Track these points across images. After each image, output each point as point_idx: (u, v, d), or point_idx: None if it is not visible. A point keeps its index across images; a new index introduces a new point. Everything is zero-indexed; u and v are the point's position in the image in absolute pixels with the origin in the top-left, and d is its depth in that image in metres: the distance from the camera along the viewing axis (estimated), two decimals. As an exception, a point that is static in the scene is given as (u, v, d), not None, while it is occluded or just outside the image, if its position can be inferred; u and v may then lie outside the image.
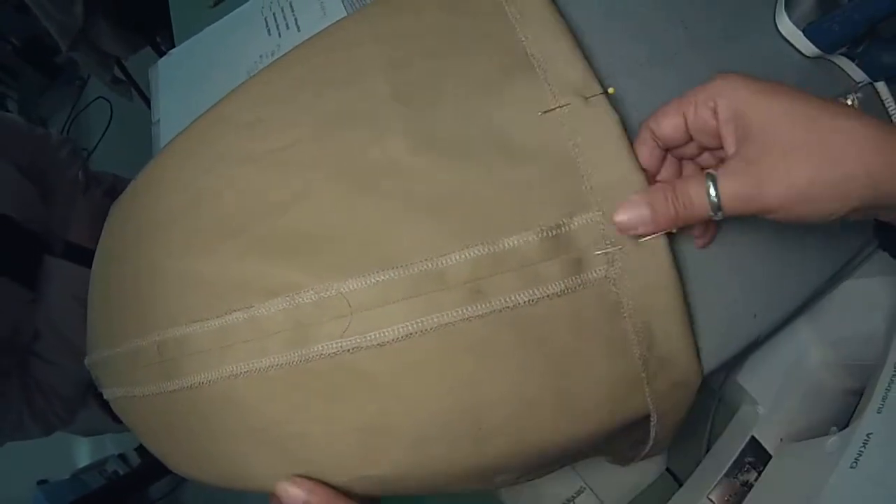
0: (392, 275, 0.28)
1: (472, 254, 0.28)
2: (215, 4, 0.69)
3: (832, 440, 0.33)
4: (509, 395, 0.29)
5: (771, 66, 0.37)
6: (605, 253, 0.28)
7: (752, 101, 0.26)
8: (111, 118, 2.07)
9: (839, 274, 0.37)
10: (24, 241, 0.72)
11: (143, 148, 0.70)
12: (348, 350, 0.28)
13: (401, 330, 0.28)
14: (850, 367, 0.42)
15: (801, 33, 0.36)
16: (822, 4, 0.35)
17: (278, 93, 0.36)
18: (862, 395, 0.36)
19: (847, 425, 0.34)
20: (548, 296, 0.28)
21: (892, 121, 0.37)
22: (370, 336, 0.28)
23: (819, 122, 0.24)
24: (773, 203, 0.25)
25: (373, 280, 0.28)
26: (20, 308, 0.71)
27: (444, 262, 0.28)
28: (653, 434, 0.33)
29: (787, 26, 0.37)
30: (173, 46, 0.69)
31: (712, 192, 0.26)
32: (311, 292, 0.29)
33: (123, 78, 1.42)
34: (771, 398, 0.43)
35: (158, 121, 0.63)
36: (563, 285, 0.28)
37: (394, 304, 0.28)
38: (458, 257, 0.28)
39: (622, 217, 0.28)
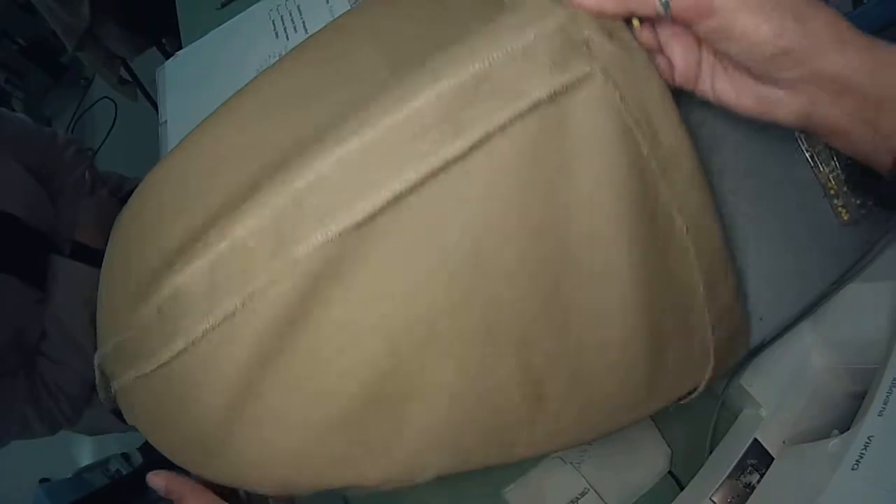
0: (360, 140, 0.26)
1: (440, 88, 0.26)
2: (223, 6, 0.69)
3: (834, 442, 0.34)
4: (513, 232, 0.27)
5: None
6: (584, 48, 0.26)
7: None
8: (116, 118, 2.08)
9: (842, 278, 0.38)
10: (32, 241, 0.73)
11: (147, 148, 0.71)
12: (331, 240, 0.26)
13: (382, 196, 0.26)
14: (853, 370, 0.42)
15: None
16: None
17: (279, 96, 0.35)
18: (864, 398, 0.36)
19: (849, 429, 0.34)
20: (533, 106, 0.26)
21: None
22: (355, 210, 0.26)
23: None
24: (719, 10, 0.24)
25: (344, 151, 0.26)
26: (28, 307, 0.71)
27: (412, 106, 0.26)
28: (690, 242, 0.29)
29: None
30: (179, 48, 0.70)
31: None
32: (284, 196, 0.27)
33: (129, 79, 1.43)
34: (774, 401, 0.43)
35: (165, 122, 0.63)
36: (547, 91, 0.26)
37: (370, 170, 0.26)
38: (425, 98, 0.26)
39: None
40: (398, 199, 0.26)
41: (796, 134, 0.37)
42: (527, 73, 0.26)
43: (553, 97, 0.26)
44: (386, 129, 0.26)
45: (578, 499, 0.46)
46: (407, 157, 0.26)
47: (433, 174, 0.26)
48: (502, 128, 0.26)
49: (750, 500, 0.39)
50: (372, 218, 0.26)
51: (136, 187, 0.41)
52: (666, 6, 0.25)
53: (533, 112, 0.26)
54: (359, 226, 0.26)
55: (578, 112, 0.26)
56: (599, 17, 0.26)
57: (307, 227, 0.26)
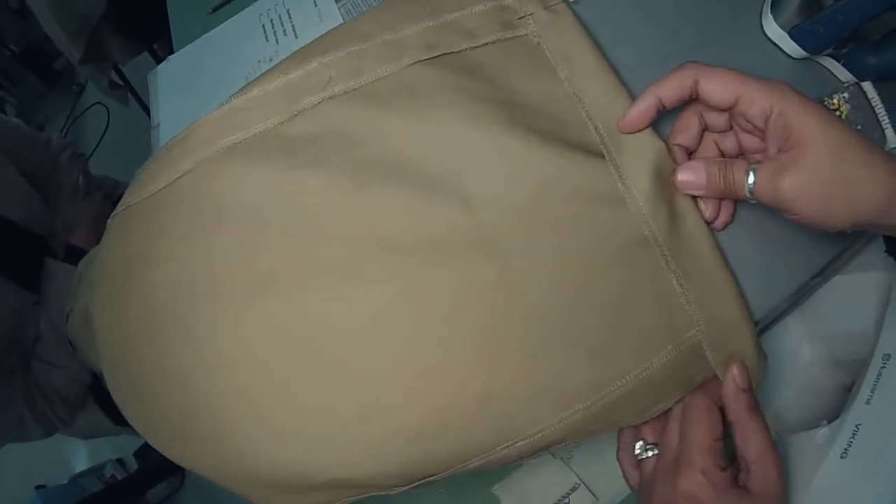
0: (361, 46, 0.37)
1: (421, 25, 0.37)
2: (214, 11, 0.70)
3: (822, 431, 0.34)
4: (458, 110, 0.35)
5: (759, 68, 0.38)
6: (525, 17, 0.37)
7: (800, 117, 0.29)
8: (108, 124, 2.08)
9: (831, 265, 0.38)
10: (27, 244, 0.73)
11: (140, 153, 0.71)
12: (330, 97, 0.35)
13: (369, 77, 0.36)
14: (842, 362, 0.42)
15: (787, 36, 0.37)
16: (806, 8, 0.36)
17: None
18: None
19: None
20: (484, 44, 0.36)
21: (877, 119, 0.37)
22: (347, 84, 0.36)
23: (849, 153, 0.28)
24: (794, 210, 0.29)
25: (346, 51, 0.37)
26: (22, 310, 0.71)
27: (401, 34, 0.37)
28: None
29: (773, 29, 0.38)
30: (171, 52, 0.70)
31: (751, 180, 0.30)
32: (298, 72, 0.37)
33: (121, 83, 1.43)
34: (764, 394, 0.44)
35: (158, 125, 0.63)
36: (495, 38, 0.37)
37: (364, 63, 0.36)
38: (411, 29, 0.37)
39: (683, 177, 0.32)
40: (376, 80, 0.36)
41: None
42: (485, 27, 0.37)
43: (497, 42, 0.37)
44: (381, 43, 0.37)
45: (569, 494, 0.46)
46: (389, 62, 0.36)
47: (405, 69, 0.36)
48: (458, 52, 0.36)
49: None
50: (357, 88, 0.36)
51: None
52: (752, 195, 0.30)
53: (482, 47, 0.37)
54: (347, 92, 0.36)
55: (515, 50, 0.37)
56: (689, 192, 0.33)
57: (309, 91, 0.36)
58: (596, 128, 0.34)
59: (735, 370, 0.31)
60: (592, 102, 0.35)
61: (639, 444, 0.35)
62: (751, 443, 0.30)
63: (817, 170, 0.28)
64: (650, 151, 0.33)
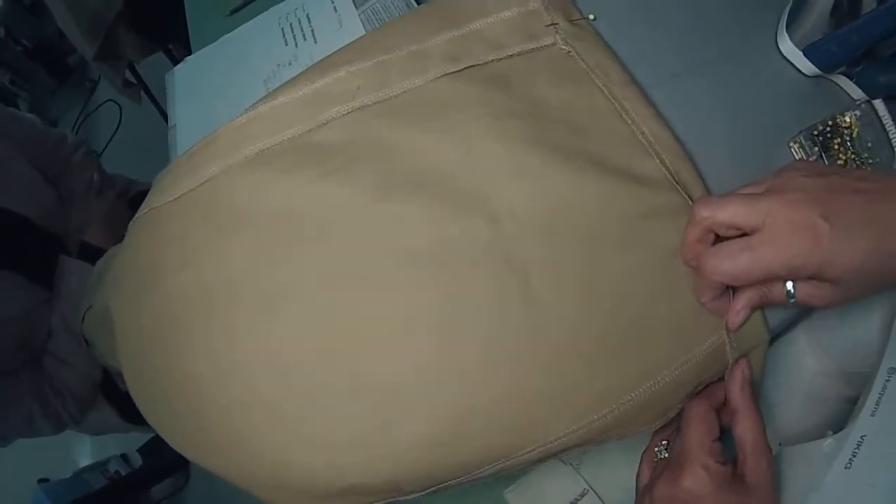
0: (388, 56, 0.38)
1: (446, 36, 0.38)
2: (232, 13, 0.70)
3: (828, 442, 0.35)
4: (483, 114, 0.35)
5: (773, 84, 0.39)
6: (553, 26, 0.38)
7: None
8: (120, 121, 2.09)
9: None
10: (41, 241, 0.73)
11: (151, 151, 0.71)
12: (359, 107, 0.36)
13: (397, 89, 0.36)
14: (847, 374, 0.43)
15: (801, 53, 0.38)
16: (821, 26, 0.37)
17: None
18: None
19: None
20: (509, 56, 0.37)
21: (888, 136, 0.38)
22: (376, 95, 0.36)
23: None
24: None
25: (373, 61, 0.38)
26: (35, 306, 0.72)
27: (426, 44, 0.38)
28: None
29: (787, 47, 0.38)
30: (187, 53, 0.71)
31: (792, 293, 0.31)
32: (325, 80, 0.38)
33: (134, 81, 1.44)
34: (769, 404, 0.44)
35: (175, 126, 0.64)
36: (520, 49, 0.37)
37: (391, 74, 0.37)
38: (436, 40, 0.38)
39: (737, 321, 0.32)
40: (403, 92, 0.37)
41: (788, 143, 0.38)
42: (510, 37, 0.38)
43: (522, 54, 0.37)
44: (406, 54, 0.38)
45: (578, 500, 0.46)
46: (415, 73, 0.37)
47: (430, 82, 0.37)
48: (483, 64, 0.37)
49: (746, 499, 0.40)
50: (387, 99, 0.37)
51: (143, 190, 0.42)
52: (791, 296, 0.31)
53: (507, 59, 0.37)
54: (375, 104, 0.37)
55: (540, 62, 0.37)
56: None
57: (336, 99, 0.37)
58: (642, 133, 0.35)
59: (745, 363, 0.33)
60: (636, 110, 0.35)
61: (663, 444, 0.37)
62: (749, 432, 0.32)
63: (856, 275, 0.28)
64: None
